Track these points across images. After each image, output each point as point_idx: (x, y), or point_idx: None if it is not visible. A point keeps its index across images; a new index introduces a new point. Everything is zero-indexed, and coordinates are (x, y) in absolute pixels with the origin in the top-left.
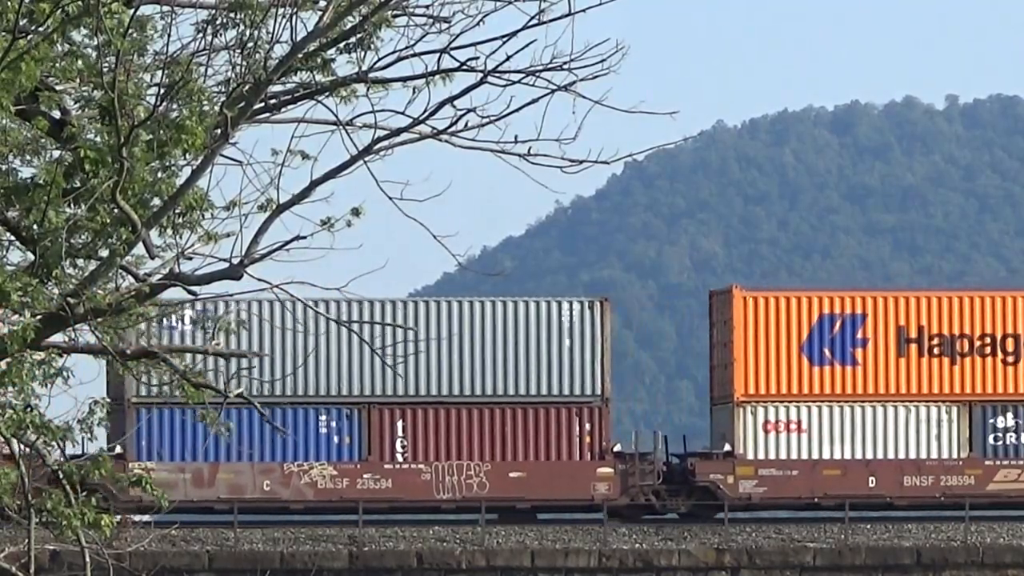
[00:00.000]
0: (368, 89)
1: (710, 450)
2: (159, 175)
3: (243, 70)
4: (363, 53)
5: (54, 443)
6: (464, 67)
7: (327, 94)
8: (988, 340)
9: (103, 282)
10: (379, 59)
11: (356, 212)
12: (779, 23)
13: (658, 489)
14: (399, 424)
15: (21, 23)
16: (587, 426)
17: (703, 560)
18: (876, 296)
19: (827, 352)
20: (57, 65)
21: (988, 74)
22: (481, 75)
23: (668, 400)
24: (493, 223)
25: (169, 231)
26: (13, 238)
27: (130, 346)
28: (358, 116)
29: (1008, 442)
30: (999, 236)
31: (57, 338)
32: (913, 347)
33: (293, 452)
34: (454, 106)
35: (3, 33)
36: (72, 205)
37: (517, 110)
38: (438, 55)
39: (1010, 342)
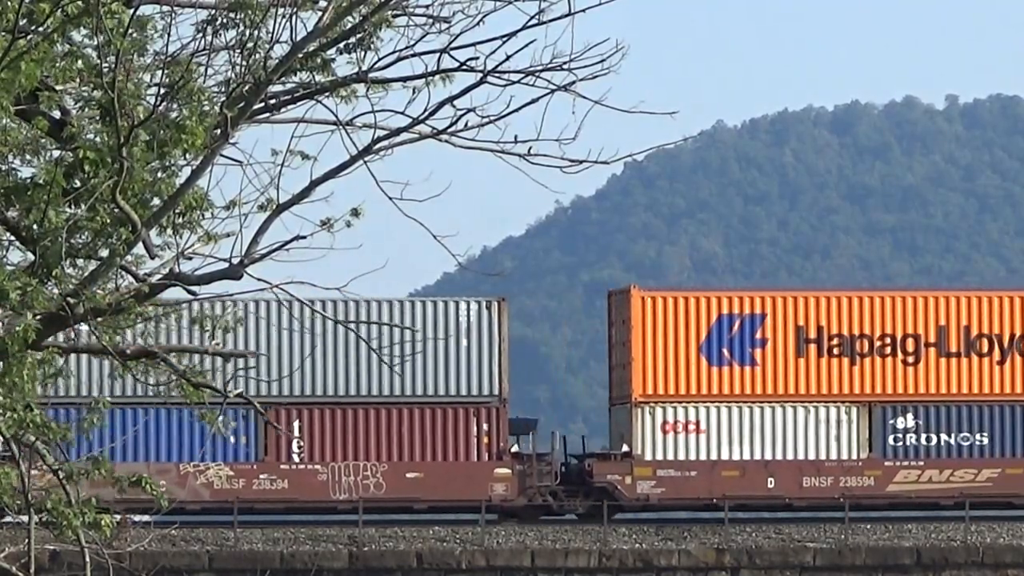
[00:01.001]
0: (368, 89)
1: (608, 451)
2: (159, 175)
3: (243, 70)
4: (363, 53)
5: (54, 443)
6: (464, 67)
7: (327, 94)
8: (888, 340)
9: (103, 282)
10: (379, 59)
11: (356, 212)
12: (779, 23)
13: (555, 490)
14: (295, 424)
15: (21, 23)
16: (484, 426)
17: (703, 560)
18: (775, 296)
19: (726, 352)
20: (57, 65)
21: (988, 74)
22: (481, 75)
23: None
24: (493, 223)
25: (169, 231)
26: (13, 238)
27: (130, 346)
28: (358, 116)
29: (908, 443)
30: (999, 236)
31: (58, 338)
32: (812, 347)
33: (189, 452)
34: (454, 106)
35: (3, 33)
36: (72, 205)
37: (517, 110)
38: (438, 55)
39: (910, 342)
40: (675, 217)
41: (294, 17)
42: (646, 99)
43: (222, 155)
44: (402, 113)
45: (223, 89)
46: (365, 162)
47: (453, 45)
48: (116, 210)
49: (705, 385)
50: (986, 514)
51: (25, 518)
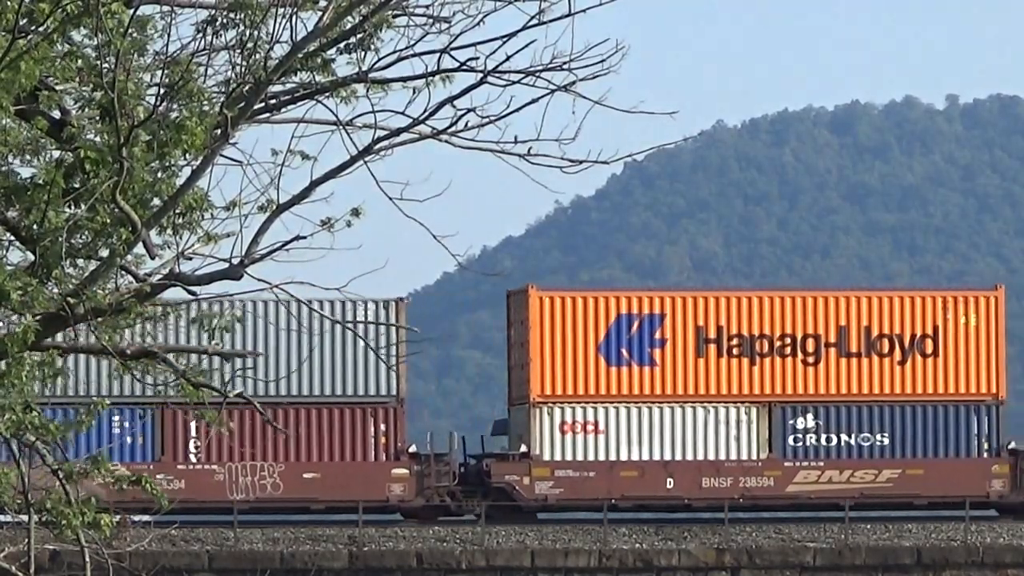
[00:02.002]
0: (368, 89)
1: (507, 451)
2: (159, 175)
3: (243, 70)
4: (363, 53)
5: (54, 443)
6: (464, 67)
7: (327, 94)
8: (788, 340)
9: (103, 282)
10: (379, 59)
11: (356, 212)
12: (779, 23)
13: (453, 490)
14: (192, 424)
15: (21, 23)
16: (382, 427)
17: (703, 560)
18: (675, 296)
19: (625, 352)
20: (57, 65)
21: (988, 74)
22: (481, 75)
23: None
24: (493, 223)
25: (169, 231)
26: (13, 238)
27: (130, 346)
28: (358, 116)
29: (808, 443)
30: (999, 236)
31: (57, 338)
32: (712, 347)
33: (86, 451)
34: (454, 106)
35: (3, 33)
36: (72, 205)
37: (517, 110)
38: (438, 55)
39: (810, 342)
40: (675, 217)
41: (294, 17)
42: (646, 99)
43: (222, 155)
44: (402, 113)
45: (223, 89)
46: (365, 162)
47: (453, 45)
48: (116, 210)
49: (604, 385)
50: (986, 514)
51: (25, 518)
